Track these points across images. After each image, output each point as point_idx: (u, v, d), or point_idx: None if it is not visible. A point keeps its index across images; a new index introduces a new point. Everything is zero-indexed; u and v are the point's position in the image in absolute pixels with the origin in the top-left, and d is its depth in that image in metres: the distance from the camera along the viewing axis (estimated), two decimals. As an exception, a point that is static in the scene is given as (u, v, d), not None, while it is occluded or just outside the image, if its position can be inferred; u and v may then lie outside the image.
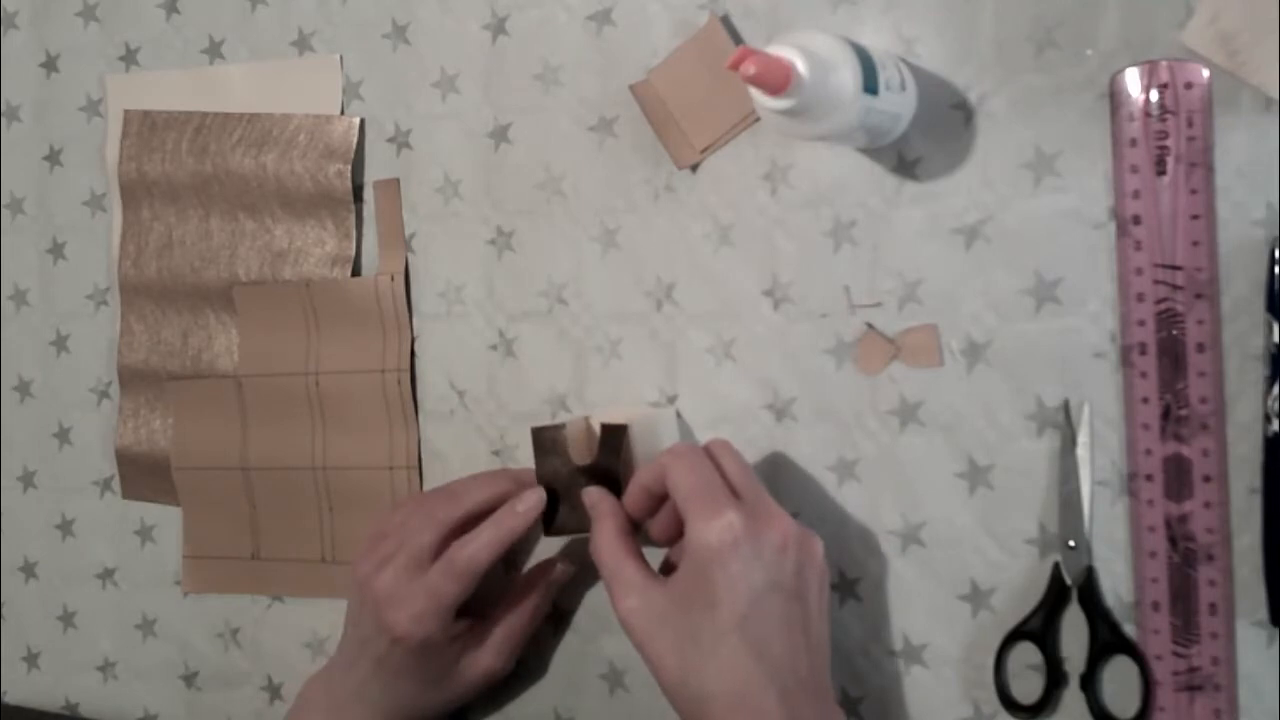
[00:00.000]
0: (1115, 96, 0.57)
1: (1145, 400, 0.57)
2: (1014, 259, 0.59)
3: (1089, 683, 0.58)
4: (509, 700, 0.71)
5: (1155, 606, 0.57)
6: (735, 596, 0.54)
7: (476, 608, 0.67)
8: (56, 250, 0.84)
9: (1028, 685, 0.60)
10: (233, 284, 0.77)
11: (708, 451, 0.59)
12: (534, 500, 0.64)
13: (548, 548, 0.70)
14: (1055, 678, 0.59)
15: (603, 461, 0.63)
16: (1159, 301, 0.57)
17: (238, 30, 0.78)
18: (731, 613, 0.54)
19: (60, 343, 0.84)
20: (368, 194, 0.74)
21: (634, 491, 0.60)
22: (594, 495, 0.61)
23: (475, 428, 0.72)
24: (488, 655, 0.67)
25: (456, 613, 0.64)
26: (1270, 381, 0.55)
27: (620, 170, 0.68)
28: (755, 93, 0.50)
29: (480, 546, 0.63)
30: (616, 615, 0.57)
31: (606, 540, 0.59)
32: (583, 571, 0.69)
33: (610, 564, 0.58)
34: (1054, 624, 0.59)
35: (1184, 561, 0.56)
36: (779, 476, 0.65)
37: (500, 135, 0.71)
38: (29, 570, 0.86)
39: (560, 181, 0.69)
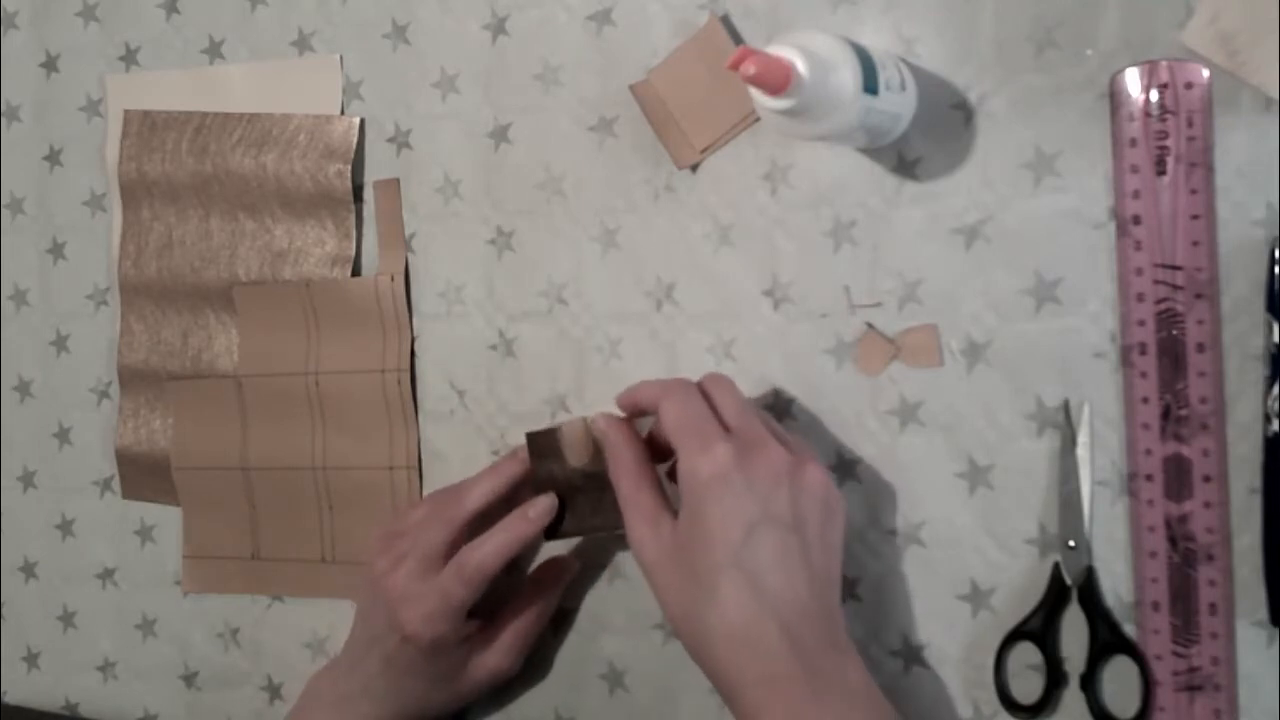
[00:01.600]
0: (1115, 96, 0.57)
1: (1145, 400, 0.57)
2: (1014, 259, 0.59)
3: (1089, 683, 0.58)
4: (510, 700, 0.71)
5: (1155, 606, 0.57)
6: (728, 530, 0.54)
7: (486, 609, 0.67)
8: (56, 250, 0.84)
9: (1028, 685, 0.60)
10: (233, 284, 0.77)
11: (702, 386, 0.59)
12: (545, 506, 0.63)
13: (552, 547, 0.70)
14: (1055, 678, 0.59)
15: (601, 461, 0.63)
16: (1159, 301, 0.57)
17: (238, 30, 0.78)
18: (726, 547, 0.53)
19: (60, 343, 0.84)
20: (368, 194, 0.74)
21: (628, 408, 0.61)
22: (602, 424, 0.61)
23: (475, 428, 0.72)
24: (496, 655, 0.67)
25: (467, 613, 0.64)
26: (1270, 381, 0.55)
27: (620, 170, 0.68)
28: (755, 93, 0.50)
29: (490, 551, 0.63)
30: (630, 546, 0.57)
31: (624, 469, 0.58)
32: (583, 571, 0.69)
33: (627, 492, 0.58)
34: (1054, 624, 0.59)
35: (1184, 561, 0.56)
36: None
37: (500, 135, 0.71)
38: (29, 570, 0.86)
39: (560, 181, 0.69)
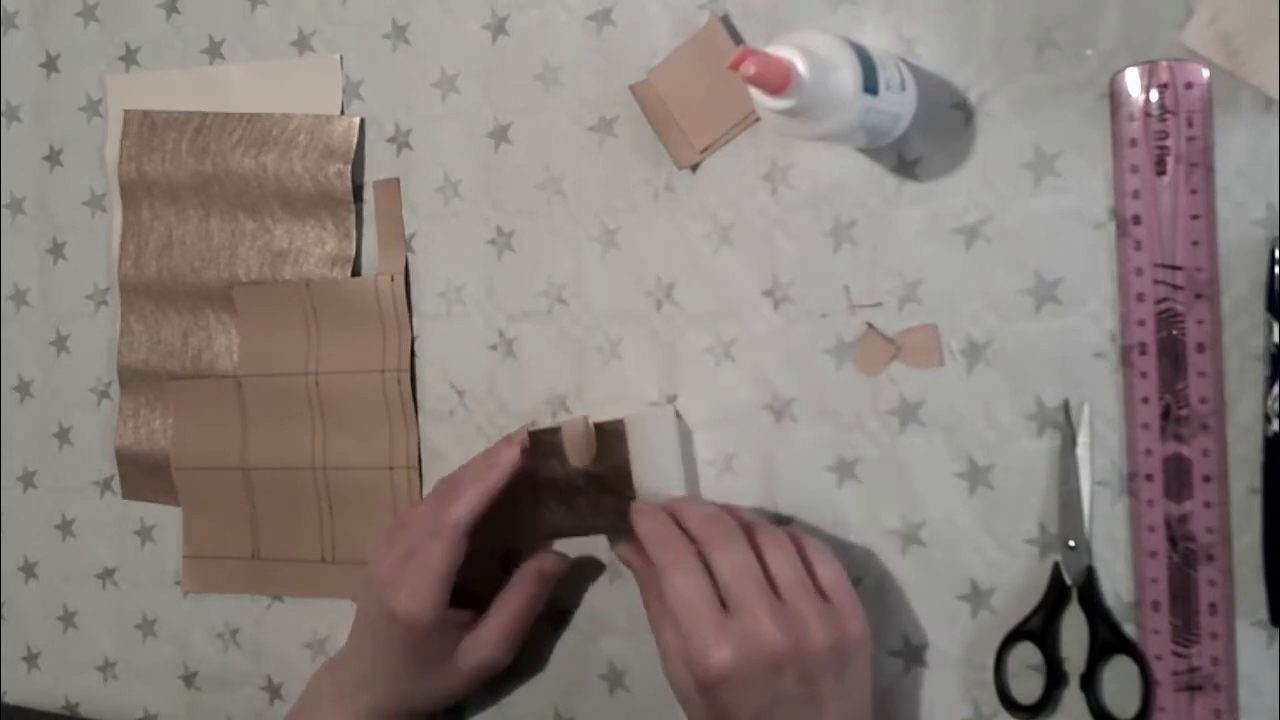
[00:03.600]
0: (1115, 96, 0.57)
1: (1145, 400, 0.57)
2: (1014, 259, 0.59)
3: (1089, 683, 0.58)
4: (509, 699, 0.71)
5: (1155, 606, 0.57)
6: (725, 717, 0.55)
7: (477, 601, 0.67)
8: (56, 250, 0.84)
9: (1028, 685, 0.60)
10: (233, 284, 0.77)
11: (703, 548, 0.58)
12: (512, 452, 0.64)
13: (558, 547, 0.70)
14: (1055, 678, 0.59)
15: (602, 462, 0.63)
16: (1159, 301, 0.57)
17: (238, 30, 0.78)
18: None
19: (60, 343, 0.84)
20: (368, 194, 0.74)
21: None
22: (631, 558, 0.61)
23: (475, 428, 0.72)
24: (484, 646, 0.67)
25: (456, 603, 0.64)
26: (1270, 381, 0.55)
27: (620, 170, 0.68)
28: (755, 93, 0.50)
29: (463, 503, 0.63)
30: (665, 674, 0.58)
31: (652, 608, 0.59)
32: (583, 571, 0.69)
33: (657, 632, 0.58)
34: (1054, 624, 0.59)
35: (1184, 561, 0.56)
36: (779, 477, 0.65)
37: (500, 135, 0.71)
38: (29, 570, 0.86)
39: (560, 181, 0.69)
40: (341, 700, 0.67)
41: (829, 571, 0.58)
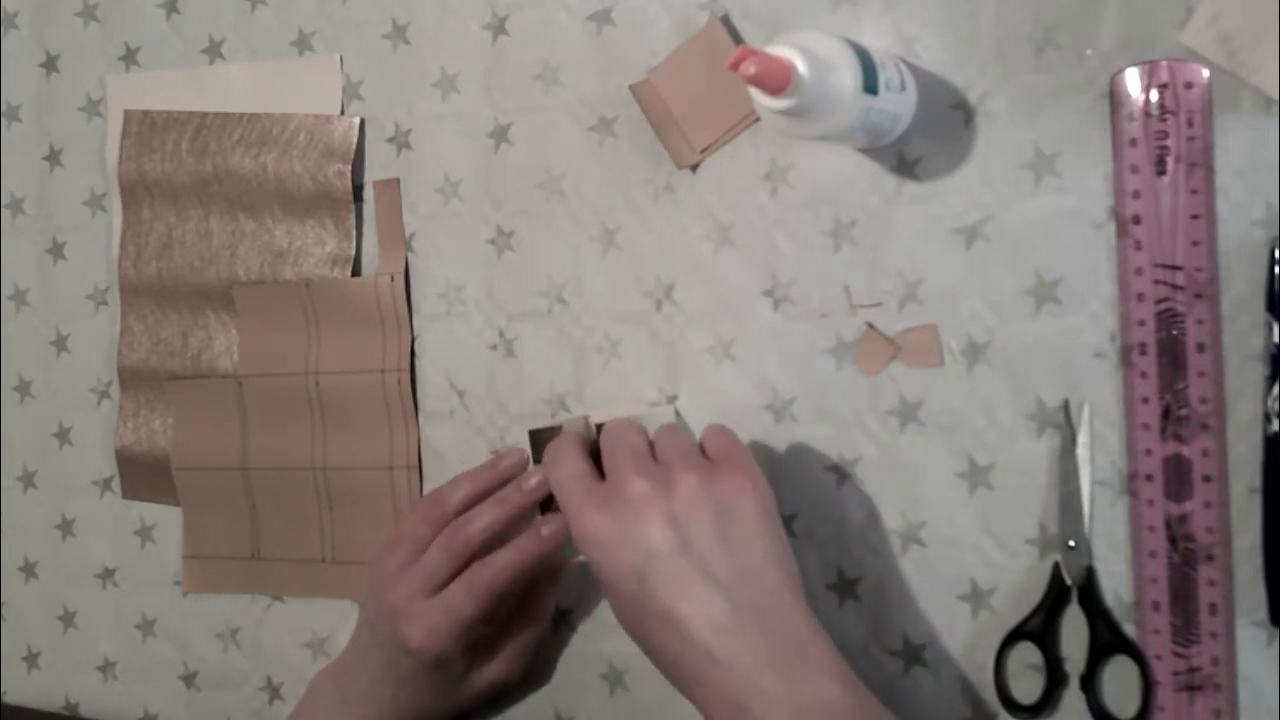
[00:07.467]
0: (1115, 96, 0.57)
1: (1145, 400, 0.57)
2: (1014, 259, 0.59)
3: (1089, 683, 0.58)
4: (509, 701, 0.71)
5: (1155, 606, 0.57)
6: (625, 584, 0.54)
7: (489, 615, 0.67)
8: (56, 250, 0.84)
9: (1028, 685, 0.60)
10: (233, 284, 0.77)
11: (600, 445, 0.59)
12: (559, 525, 0.63)
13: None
14: (1055, 678, 0.59)
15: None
16: (1159, 301, 0.57)
17: (238, 30, 0.78)
18: (630, 600, 0.54)
19: (60, 343, 0.84)
20: (368, 194, 0.74)
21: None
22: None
23: (475, 428, 0.72)
24: (499, 665, 0.67)
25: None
26: (1270, 381, 0.55)
27: (620, 170, 0.68)
28: (755, 93, 0.50)
29: (501, 569, 0.63)
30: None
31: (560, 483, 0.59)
32: (583, 572, 0.69)
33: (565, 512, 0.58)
34: (1054, 624, 0.59)
35: (1184, 561, 0.56)
36: (779, 477, 0.65)
37: (500, 135, 0.71)
38: (29, 570, 0.86)
39: (560, 181, 0.69)
40: (344, 707, 0.67)
41: (716, 440, 0.58)
